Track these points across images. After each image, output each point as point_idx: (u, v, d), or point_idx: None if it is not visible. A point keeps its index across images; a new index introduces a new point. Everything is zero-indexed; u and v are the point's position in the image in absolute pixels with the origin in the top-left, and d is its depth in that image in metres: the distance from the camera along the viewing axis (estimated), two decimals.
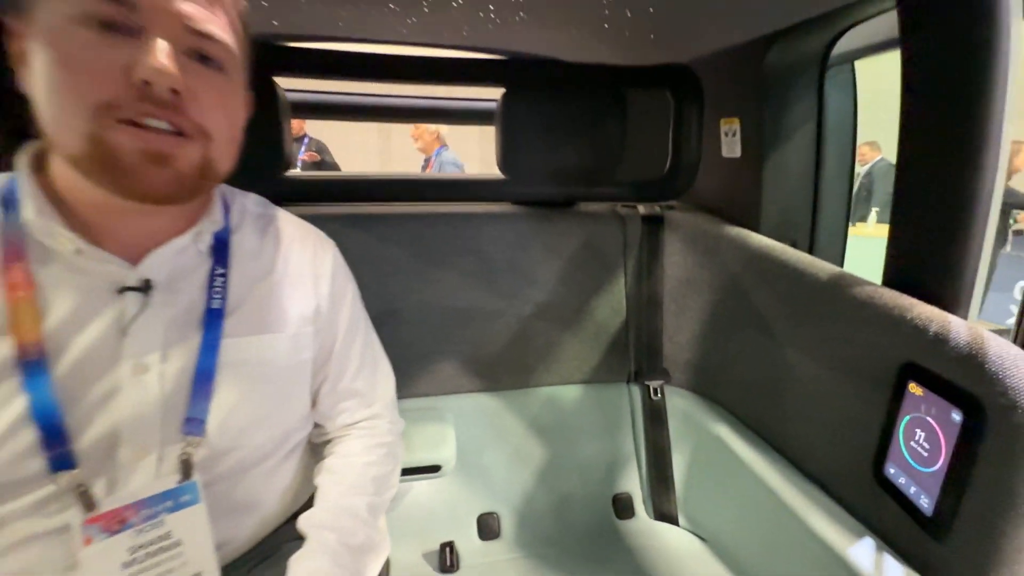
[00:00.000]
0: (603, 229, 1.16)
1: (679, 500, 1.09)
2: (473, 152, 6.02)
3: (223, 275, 0.55)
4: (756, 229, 0.99)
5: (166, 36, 0.43)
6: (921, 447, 0.63)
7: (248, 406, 0.56)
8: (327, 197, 1.08)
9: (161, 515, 0.52)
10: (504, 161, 1.11)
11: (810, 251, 1.03)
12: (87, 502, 0.48)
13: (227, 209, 0.59)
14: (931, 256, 0.68)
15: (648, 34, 0.96)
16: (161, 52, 0.42)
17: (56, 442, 0.46)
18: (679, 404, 1.12)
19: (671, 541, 1.05)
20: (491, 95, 1.23)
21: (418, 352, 1.07)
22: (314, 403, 0.67)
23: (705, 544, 1.02)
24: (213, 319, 0.54)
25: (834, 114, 1.04)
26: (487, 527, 1.05)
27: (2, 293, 0.45)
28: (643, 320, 1.16)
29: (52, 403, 0.46)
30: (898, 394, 0.65)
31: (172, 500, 0.52)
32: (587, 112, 1.11)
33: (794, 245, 0.97)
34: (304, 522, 0.59)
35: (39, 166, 0.49)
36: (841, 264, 1.15)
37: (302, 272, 0.62)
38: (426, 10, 0.93)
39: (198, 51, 0.46)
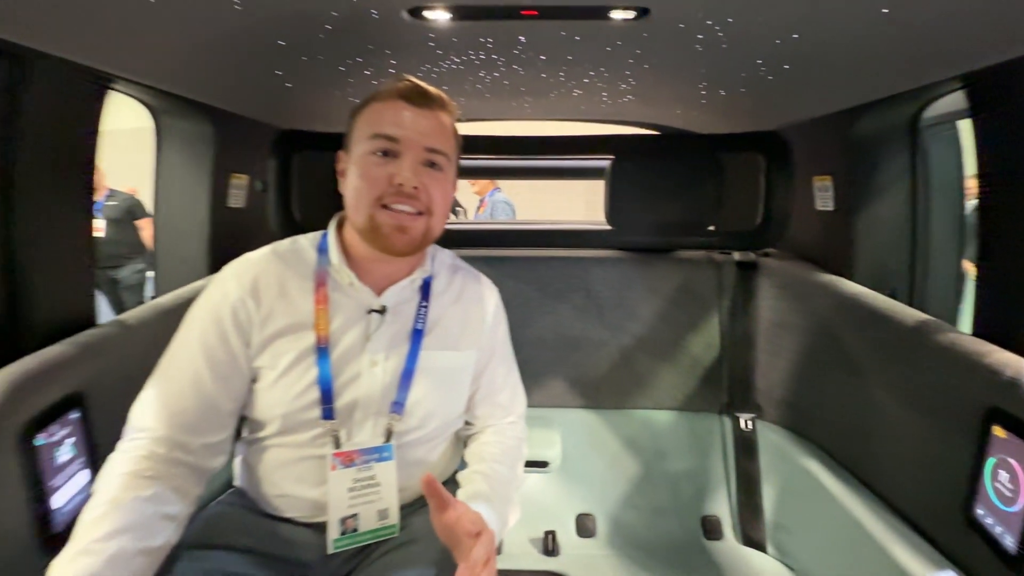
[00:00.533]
0: (699, 273, 1.30)
1: (768, 528, 1.15)
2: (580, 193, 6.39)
3: (425, 307, 0.81)
4: (850, 277, 1.06)
5: (412, 156, 0.71)
6: (1005, 488, 0.68)
7: (431, 399, 0.80)
8: (472, 243, 1.37)
9: (371, 462, 0.77)
10: (611, 214, 1.31)
11: (910, 299, 1.07)
12: (336, 442, 0.74)
13: (432, 261, 0.86)
14: (1014, 306, 0.73)
15: (740, 106, 1.11)
16: (408, 167, 0.71)
17: (327, 400, 0.73)
18: (770, 438, 1.19)
19: (758, 567, 1.11)
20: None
21: (535, 370, 1.28)
22: (468, 407, 0.89)
23: (793, 573, 1.07)
24: (417, 336, 0.80)
25: (939, 170, 1.08)
26: (584, 526, 1.20)
27: (312, 304, 0.75)
28: (737, 357, 1.26)
29: (328, 376, 0.74)
30: (983, 437, 0.70)
31: (378, 454, 0.77)
32: (685, 173, 1.28)
33: (893, 294, 1.02)
34: (464, 471, 0.81)
35: (339, 228, 0.80)
36: (957, 309, 1.15)
37: (474, 309, 0.87)
38: (552, 96, 1.18)
39: (430, 161, 0.73)
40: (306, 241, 0.81)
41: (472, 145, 1.35)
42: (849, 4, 0.63)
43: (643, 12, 0.72)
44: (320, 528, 0.75)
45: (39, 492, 0.64)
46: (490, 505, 0.74)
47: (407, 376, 0.78)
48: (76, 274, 0.80)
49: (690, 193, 1.28)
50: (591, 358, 1.31)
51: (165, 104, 0.97)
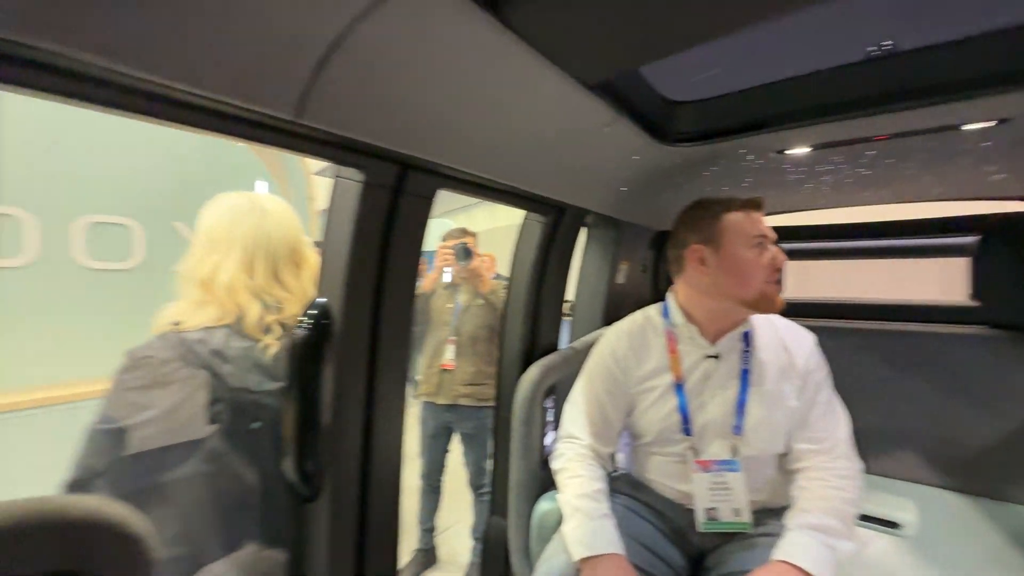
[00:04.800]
0: None
1: None
2: None
3: (748, 352, 1.06)
4: None
5: (773, 243, 1.01)
6: None
7: (762, 424, 1.02)
8: (811, 314, 1.53)
9: (723, 471, 1.03)
10: (979, 290, 1.25)
11: None
12: (694, 453, 1.04)
13: (753, 317, 1.09)
14: None
15: None
16: (779, 252, 1.00)
17: (685, 422, 1.05)
18: None
19: None
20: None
21: (883, 438, 1.29)
22: (790, 434, 1.04)
23: None
24: (744, 375, 1.04)
25: None
26: None
27: (666, 353, 1.09)
28: None
29: (684, 404, 1.05)
30: None
31: (728, 466, 1.03)
32: None
33: None
34: (794, 521, 0.94)
35: (675, 295, 1.13)
36: None
37: (791, 354, 1.06)
38: (897, 183, 1.28)
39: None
40: (652, 310, 1.16)
41: (811, 233, 1.56)
42: None
43: (1003, 121, 0.83)
44: (688, 510, 1.05)
45: (543, 435, 1.18)
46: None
47: (741, 406, 1.02)
48: (554, 323, 1.41)
49: None
50: (954, 434, 1.22)
51: (595, 220, 1.57)
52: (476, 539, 2.21)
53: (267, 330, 0.87)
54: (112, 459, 0.78)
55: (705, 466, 1.04)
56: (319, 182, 3.51)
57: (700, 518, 1.02)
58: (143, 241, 2.43)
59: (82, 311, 2.22)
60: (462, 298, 2.13)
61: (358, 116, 0.62)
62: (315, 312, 0.82)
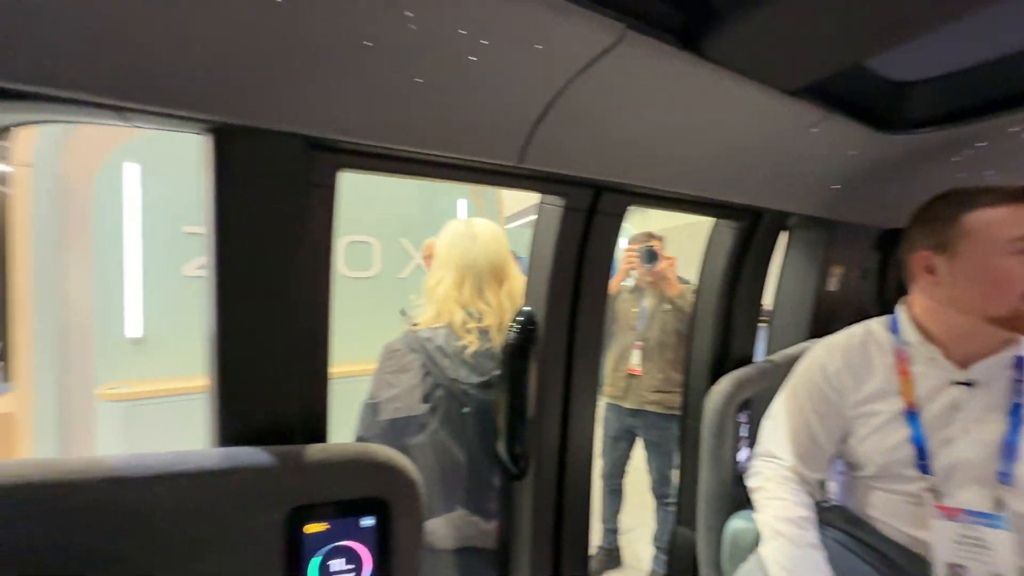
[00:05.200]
0: None
1: None
2: None
3: (1020, 382, 0.84)
4: None
5: None
6: None
7: None
8: None
9: (978, 525, 0.84)
10: None
11: None
12: (936, 495, 0.87)
13: None
14: None
15: None
16: None
17: (922, 457, 0.88)
18: None
19: None
20: None
21: None
22: None
23: None
24: (1016, 410, 0.83)
25: None
26: None
27: (895, 374, 0.93)
28: None
29: (920, 436, 0.89)
30: None
31: (987, 520, 0.84)
32: None
33: None
34: None
35: (909, 307, 0.96)
36: None
37: None
38: None
39: None
40: (876, 324, 0.99)
41: None
42: None
43: None
44: (924, 561, 0.89)
45: (735, 450, 1.15)
46: None
47: (1010, 448, 0.82)
48: (749, 334, 1.35)
49: None
50: None
51: (800, 221, 1.44)
52: (658, 548, 2.17)
53: (468, 332, 1.06)
54: (377, 424, 1.03)
55: (951, 514, 0.87)
56: (505, 194, 3.95)
57: (940, 573, 0.85)
58: (380, 254, 3.06)
59: (341, 310, 2.88)
60: (648, 302, 2.11)
61: (563, 153, 0.73)
62: (523, 318, 0.96)
